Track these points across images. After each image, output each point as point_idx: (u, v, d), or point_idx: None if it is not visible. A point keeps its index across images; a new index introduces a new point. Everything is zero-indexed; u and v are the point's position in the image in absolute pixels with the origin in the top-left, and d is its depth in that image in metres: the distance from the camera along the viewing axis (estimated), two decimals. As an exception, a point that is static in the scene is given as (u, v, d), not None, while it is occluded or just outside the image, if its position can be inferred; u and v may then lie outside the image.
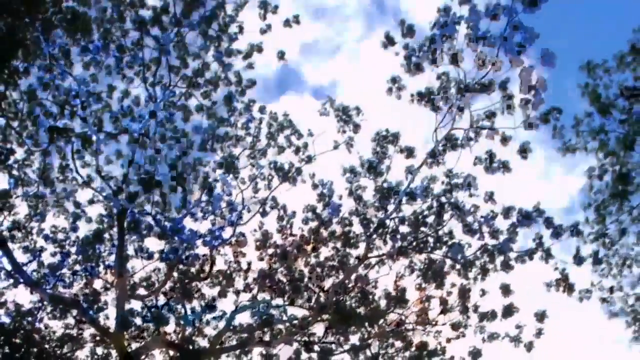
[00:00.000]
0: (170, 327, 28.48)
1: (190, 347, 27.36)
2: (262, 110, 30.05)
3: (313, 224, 27.24)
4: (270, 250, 28.27)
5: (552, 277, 25.21)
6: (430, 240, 25.83)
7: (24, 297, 28.13)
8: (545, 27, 22.44)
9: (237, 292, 28.85)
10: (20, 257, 28.71)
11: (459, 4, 22.53)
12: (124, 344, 26.30)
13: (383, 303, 26.27)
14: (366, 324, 26.12)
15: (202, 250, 28.72)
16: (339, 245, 27.11)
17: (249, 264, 29.66)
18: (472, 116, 23.94)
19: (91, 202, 30.27)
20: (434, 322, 26.29)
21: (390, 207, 25.52)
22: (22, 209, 29.32)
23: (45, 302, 27.01)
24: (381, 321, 26.27)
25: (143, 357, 25.85)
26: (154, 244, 29.38)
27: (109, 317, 28.19)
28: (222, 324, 28.33)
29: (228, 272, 28.84)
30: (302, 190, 29.16)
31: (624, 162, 27.55)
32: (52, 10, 25.94)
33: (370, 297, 26.43)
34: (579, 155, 28.17)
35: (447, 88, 23.86)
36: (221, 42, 28.85)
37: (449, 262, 25.71)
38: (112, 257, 28.20)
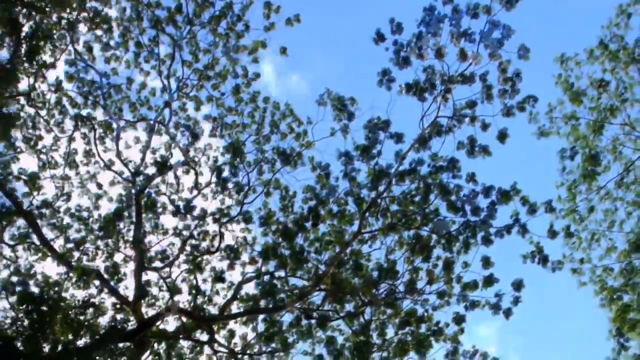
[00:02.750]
0: (183, 296, 28.76)
1: (201, 314, 27.59)
2: (266, 100, 30.32)
3: (312, 203, 27.42)
4: (274, 227, 28.48)
5: (528, 250, 25.53)
6: (418, 217, 25.98)
7: (51, 269, 28.43)
8: (522, 23, 22.79)
9: (244, 265, 29.10)
10: (48, 233, 29.03)
11: (442, 3, 22.87)
12: (141, 311, 26.64)
13: (375, 274, 26.39)
14: (360, 293, 26.24)
15: (212, 226, 29.03)
16: (335, 222, 27.29)
17: (254, 239, 30.03)
18: (455, 105, 24.18)
19: (112, 183, 30.61)
20: (421, 292, 26.40)
21: (381, 188, 25.70)
22: (49, 190, 29.59)
23: (70, 274, 27.28)
24: (373, 291, 26.37)
25: (158, 323, 26.04)
26: (168, 221, 29.65)
27: (128, 287, 28.42)
28: (230, 294, 28.66)
29: (235, 246, 29.08)
30: (302, 173, 29.44)
31: (593, 145, 27.81)
32: (77, 9, 26.23)
33: (364, 269, 26.57)
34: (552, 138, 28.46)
35: (433, 80, 24.03)
36: (229, 38, 29.11)
37: (434, 237, 25.87)
38: (131, 233, 28.42)
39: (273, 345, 28.26)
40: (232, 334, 28.80)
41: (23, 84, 26.08)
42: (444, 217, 25.76)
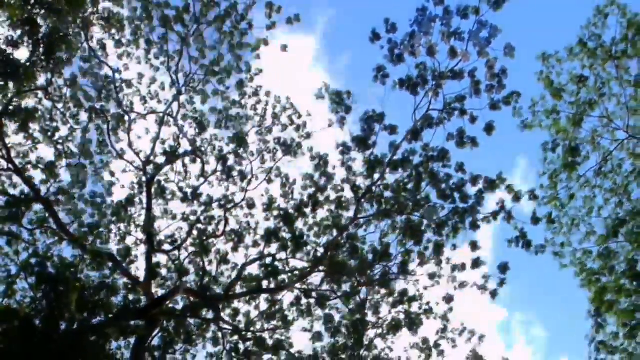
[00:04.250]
0: (190, 277, 28.94)
1: (208, 294, 27.76)
2: (268, 94, 30.50)
3: (311, 190, 27.62)
4: (275, 212, 28.67)
5: (513, 235, 25.75)
6: (410, 204, 26.14)
7: (67, 251, 28.53)
8: (508, 23, 22.97)
9: (247, 248, 29.32)
10: (65, 218, 29.13)
11: (434, 4, 22.96)
12: (151, 291, 26.89)
13: (370, 257, 26.58)
14: (356, 274, 26.43)
15: (217, 212, 29.21)
16: (333, 208, 27.48)
17: (257, 223, 30.20)
18: (445, 99, 24.32)
19: (124, 171, 30.67)
20: (413, 273, 26.62)
21: (376, 176, 25.87)
22: (65, 177, 29.68)
23: (85, 256, 27.42)
24: (368, 272, 26.57)
25: (168, 302, 26.23)
26: (177, 207, 29.84)
27: (139, 269, 28.59)
28: (234, 275, 28.86)
29: (239, 230, 29.27)
30: (302, 162, 29.60)
31: (573, 137, 27.97)
32: (90, 9, 26.35)
33: (359, 251, 26.73)
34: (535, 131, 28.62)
35: (425, 76, 24.17)
36: (234, 36, 29.26)
37: (425, 222, 26.05)
38: (142, 218, 28.62)
39: (274, 322, 28.56)
40: (236, 312, 29.15)
41: (41, 80, 26.18)
42: (435, 204, 25.98)
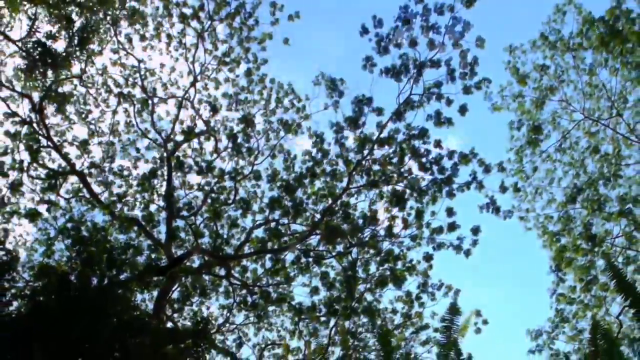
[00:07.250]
0: (205, 239, 29.52)
1: (220, 254, 28.35)
2: (272, 81, 31.08)
3: (309, 164, 28.17)
4: (278, 183, 29.27)
5: (484, 201, 26.42)
6: (395, 175, 26.66)
7: (98, 217, 29.19)
8: (479, 18, 23.55)
9: (254, 214, 29.98)
10: (96, 188, 29.81)
11: (415, 2, 23.60)
12: (171, 251, 27.53)
13: (360, 221, 27.09)
14: (348, 237, 26.90)
15: (228, 183, 29.77)
16: (328, 179, 28.03)
17: (263, 193, 30.84)
18: (424, 85, 24.87)
19: (148, 148, 31.25)
20: (397, 235, 27.10)
21: (365, 152, 26.40)
22: (97, 153, 30.34)
23: (114, 221, 28.13)
24: (359, 235, 27.03)
25: (185, 261, 26.79)
26: (193, 178, 30.43)
27: (161, 232, 29.14)
28: (243, 237, 29.51)
29: (247, 199, 29.86)
30: (302, 139, 30.07)
31: (536, 118, 28.62)
32: (119, 8, 27.02)
33: (351, 217, 27.26)
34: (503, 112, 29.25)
35: (407, 64, 24.71)
36: (242, 31, 29.82)
37: (408, 191, 26.59)
38: (163, 188, 29.23)
39: (278, 278, 29.15)
40: (244, 269, 29.54)
41: (76, 68, 26.85)
42: (416, 176, 26.56)
